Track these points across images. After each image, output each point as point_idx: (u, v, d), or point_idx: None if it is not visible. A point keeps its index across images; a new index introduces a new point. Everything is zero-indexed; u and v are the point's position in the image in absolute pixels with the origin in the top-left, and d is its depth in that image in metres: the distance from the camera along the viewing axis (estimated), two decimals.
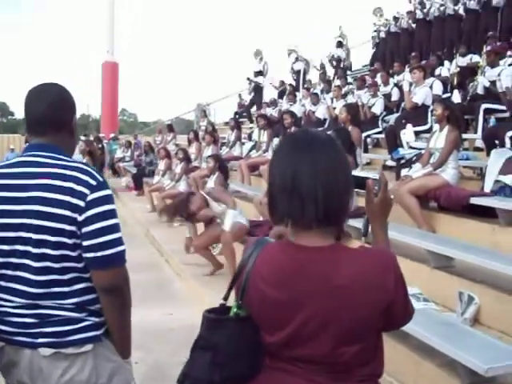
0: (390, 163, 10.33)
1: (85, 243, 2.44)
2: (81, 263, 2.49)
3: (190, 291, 8.28)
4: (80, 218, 2.42)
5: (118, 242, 2.50)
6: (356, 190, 2.14)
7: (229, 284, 2.09)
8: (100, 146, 21.19)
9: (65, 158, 2.56)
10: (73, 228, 2.42)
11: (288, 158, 1.96)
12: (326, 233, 1.94)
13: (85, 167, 2.53)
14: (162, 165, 14.96)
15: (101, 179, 2.51)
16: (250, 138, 16.70)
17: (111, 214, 2.50)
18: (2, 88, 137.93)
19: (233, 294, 2.09)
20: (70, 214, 2.41)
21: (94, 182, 2.47)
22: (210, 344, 1.99)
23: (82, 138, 18.81)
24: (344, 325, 1.86)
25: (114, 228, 2.49)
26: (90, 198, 2.43)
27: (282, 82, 22.68)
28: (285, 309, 1.90)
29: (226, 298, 2.10)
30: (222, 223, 8.13)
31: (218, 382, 1.95)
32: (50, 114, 2.59)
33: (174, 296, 8.21)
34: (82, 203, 2.42)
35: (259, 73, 22.90)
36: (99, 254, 2.44)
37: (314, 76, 22.56)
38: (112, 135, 26.48)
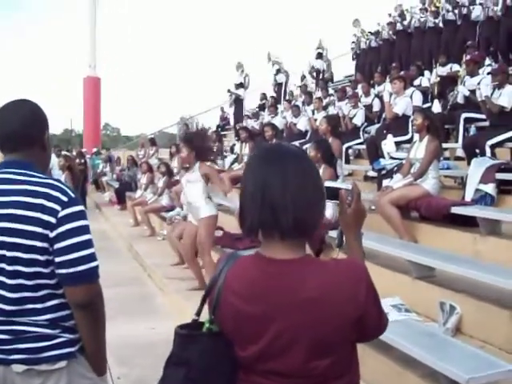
0: (372, 174, 10.36)
1: (57, 259, 2.42)
2: (53, 280, 2.47)
3: (172, 305, 8.24)
4: (52, 235, 2.41)
5: (91, 257, 2.48)
6: (334, 201, 2.12)
7: (201, 299, 2.07)
8: (83, 160, 21.17)
9: (36, 174, 2.54)
10: (45, 245, 2.41)
11: (259, 169, 1.95)
12: (296, 245, 1.93)
13: (56, 183, 2.51)
14: (144, 179, 14.92)
15: (72, 195, 2.49)
16: (232, 150, 16.71)
17: (83, 230, 2.48)
18: None
19: (206, 308, 2.07)
20: (41, 231, 2.40)
21: (65, 199, 2.45)
22: (182, 360, 1.97)
23: (65, 152, 18.75)
24: (315, 337, 1.85)
25: (87, 244, 2.47)
26: (61, 214, 2.42)
27: (264, 95, 22.73)
28: (257, 323, 1.89)
29: (198, 314, 2.07)
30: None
31: None
32: (21, 130, 2.59)
33: (156, 310, 8.16)
34: (53, 220, 2.41)
35: (240, 85, 22.97)
36: (71, 270, 2.42)
37: (295, 88, 22.63)
38: (94, 150, 26.41)
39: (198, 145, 7.76)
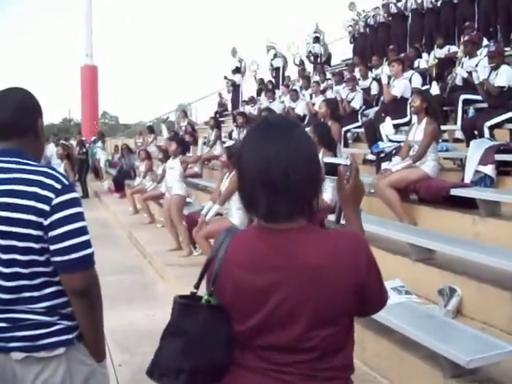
0: (370, 157, 10.34)
1: (52, 247, 2.41)
2: (49, 267, 2.46)
3: (173, 292, 8.18)
4: (46, 223, 2.39)
5: (86, 244, 2.47)
6: (330, 176, 2.11)
7: (200, 272, 2.08)
8: (84, 150, 21.16)
9: (30, 162, 2.53)
10: (39, 233, 2.40)
11: (261, 148, 1.93)
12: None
13: (49, 171, 2.50)
14: (142, 166, 14.90)
15: (66, 182, 2.48)
16: (230, 136, 16.68)
17: (77, 217, 2.47)
18: None
19: (203, 284, 2.07)
20: (35, 219, 2.39)
21: (58, 186, 2.43)
22: (180, 330, 1.98)
23: (63, 142, 18.73)
24: (315, 306, 1.85)
25: (81, 231, 2.46)
26: (55, 201, 2.40)
27: (261, 80, 22.67)
28: (258, 293, 1.89)
29: (197, 287, 2.09)
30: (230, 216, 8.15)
31: (188, 370, 1.94)
32: (13, 118, 2.57)
33: (157, 297, 8.16)
34: (47, 207, 2.39)
35: (236, 70, 22.93)
36: (66, 257, 2.41)
37: (292, 72, 22.58)
38: (93, 138, 26.34)
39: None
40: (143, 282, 9.01)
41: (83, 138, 24.38)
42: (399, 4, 17.63)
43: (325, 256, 1.86)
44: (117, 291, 7.78)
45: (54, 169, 2.57)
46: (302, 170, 1.89)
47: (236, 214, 7.97)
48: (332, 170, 2.11)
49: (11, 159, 2.52)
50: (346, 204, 2.16)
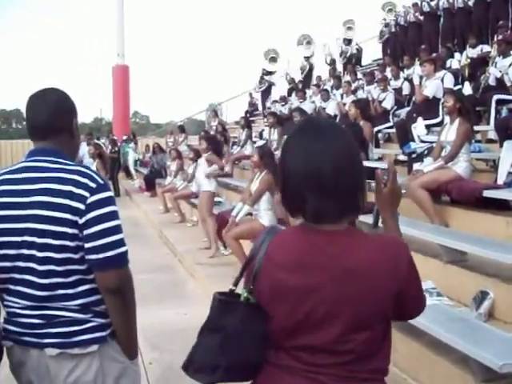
0: (402, 158, 10.25)
1: (87, 245, 2.44)
2: (84, 265, 2.49)
3: (203, 291, 8.27)
4: (81, 221, 2.42)
5: (120, 243, 2.50)
6: (367, 180, 2.11)
7: (240, 270, 2.10)
8: (116, 148, 21.31)
9: (65, 161, 2.56)
10: (74, 231, 2.43)
11: (308, 149, 1.93)
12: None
13: (84, 170, 2.53)
14: (173, 165, 14.97)
15: (101, 181, 2.51)
16: (261, 136, 16.69)
17: (112, 215, 2.49)
18: (16, 95, 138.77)
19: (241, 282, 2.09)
20: (70, 217, 2.42)
21: (93, 185, 2.46)
22: (218, 327, 1.99)
23: (95, 141, 18.89)
24: (354, 309, 1.86)
25: (116, 229, 2.49)
26: (89, 200, 2.43)
27: (292, 80, 22.65)
28: (297, 293, 1.89)
29: (235, 284, 2.10)
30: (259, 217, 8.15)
31: (224, 367, 1.95)
32: (49, 118, 2.61)
33: (187, 296, 8.22)
34: (82, 206, 2.42)
35: (269, 72, 22.96)
36: (101, 255, 2.44)
37: (323, 72, 22.53)
38: (124, 137, 26.52)
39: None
40: (174, 281, 9.06)
41: (115, 138, 24.55)
42: (432, 3, 17.47)
43: (366, 260, 1.86)
44: (148, 290, 7.81)
45: (88, 168, 2.61)
46: (349, 171, 1.90)
47: (265, 214, 7.97)
48: (369, 173, 2.10)
49: (47, 158, 2.56)
50: (383, 207, 2.15)
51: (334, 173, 1.87)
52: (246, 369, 1.99)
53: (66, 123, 2.67)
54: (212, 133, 17.49)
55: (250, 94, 26.04)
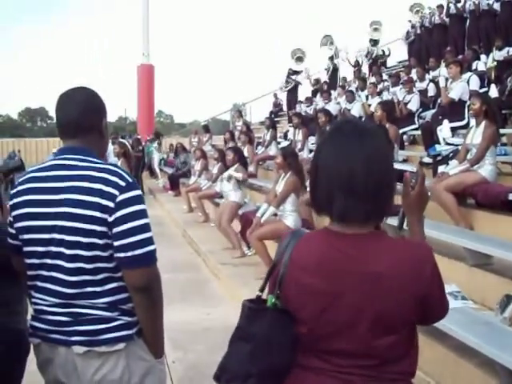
0: (427, 160, 10.20)
1: (115, 243, 2.46)
2: (112, 263, 2.51)
3: (226, 291, 8.30)
4: (110, 219, 2.44)
5: (149, 241, 2.51)
6: (398, 183, 2.12)
7: (265, 275, 2.10)
8: (140, 147, 21.39)
9: (94, 159, 2.59)
10: (103, 229, 2.45)
11: (341, 151, 1.94)
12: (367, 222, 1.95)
13: (114, 168, 2.55)
14: (198, 165, 15.01)
15: (130, 180, 2.53)
16: (285, 137, 16.69)
17: (141, 214, 2.51)
18: (41, 93, 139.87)
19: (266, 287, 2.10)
20: (100, 215, 2.44)
21: (122, 183, 2.48)
22: (248, 335, 1.99)
23: (120, 140, 18.97)
24: (379, 313, 1.86)
25: (144, 228, 2.51)
26: (119, 198, 2.45)
27: (317, 81, 22.62)
28: (323, 297, 1.90)
29: (262, 290, 2.10)
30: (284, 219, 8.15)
31: (256, 375, 1.95)
32: (79, 117, 2.63)
33: (211, 296, 8.23)
34: (111, 204, 2.44)
35: (296, 72, 22.92)
36: (130, 253, 2.46)
37: (348, 73, 22.48)
38: (149, 137, 26.62)
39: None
40: (198, 280, 9.09)
41: (139, 137, 24.64)
42: (458, 5, 17.37)
43: (391, 265, 1.86)
44: (171, 289, 7.82)
45: (117, 166, 2.62)
46: (379, 174, 1.91)
47: (290, 215, 7.97)
48: (396, 176, 2.11)
49: (76, 157, 2.58)
50: (410, 211, 2.15)
51: (363, 174, 1.88)
52: (277, 375, 1.99)
53: (95, 122, 2.70)
54: (236, 133, 17.51)
55: (275, 95, 26.03)
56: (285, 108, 24.06)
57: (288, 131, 16.70)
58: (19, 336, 2.79)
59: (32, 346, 2.74)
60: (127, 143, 15.69)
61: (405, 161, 11.40)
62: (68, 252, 2.48)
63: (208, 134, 22.09)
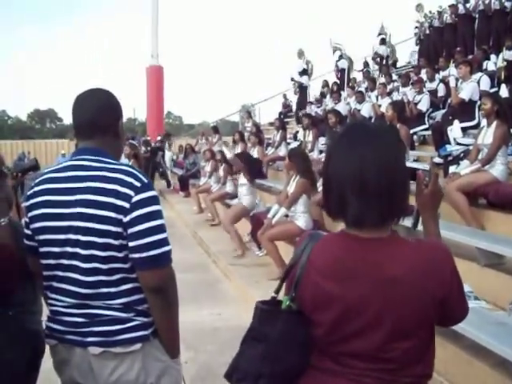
0: (438, 160, 10.19)
1: (131, 244, 2.47)
2: (127, 264, 2.52)
3: (237, 292, 8.31)
4: (125, 220, 2.45)
5: (164, 242, 2.52)
6: (411, 181, 2.11)
7: (281, 277, 2.09)
8: (149, 148, 21.41)
9: (110, 160, 2.59)
10: (119, 229, 2.46)
11: (352, 153, 1.92)
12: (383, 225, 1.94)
13: (129, 169, 2.56)
14: (208, 166, 15.01)
15: (145, 181, 2.53)
16: (295, 138, 16.68)
17: (156, 214, 2.52)
18: (50, 94, 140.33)
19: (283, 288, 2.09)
20: (115, 216, 2.45)
21: (138, 184, 2.49)
22: (261, 335, 1.99)
23: (131, 141, 19.02)
24: (397, 317, 1.85)
25: (160, 228, 2.51)
26: (134, 199, 2.46)
27: (325, 82, 22.63)
28: (340, 301, 1.89)
29: (277, 291, 2.10)
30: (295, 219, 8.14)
31: (267, 376, 1.94)
32: (96, 118, 2.64)
33: (222, 296, 8.25)
34: (126, 205, 2.45)
35: (303, 72, 22.92)
36: (145, 254, 2.46)
37: (358, 74, 22.46)
38: (158, 138, 26.63)
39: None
40: (208, 281, 9.10)
41: (148, 138, 24.65)
42: (467, 5, 17.34)
43: (409, 268, 1.85)
44: (182, 289, 7.74)
45: (132, 167, 2.63)
46: (393, 175, 1.89)
47: (301, 217, 7.97)
48: (410, 174, 2.10)
49: (92, 157, 2.59)
50: (424, 209, 2.15)
51: (375, 175, 1.86)
52: (289, 377, 1.98)
53: (111, 123, 2.71)
54: (246, 134, 17.50)
55: (284, 95, 26.04)
56: (294, 109, 24.04)
57: (298, 132, 16.68)
58: (34, 336, 2.79)
59: (48, 347, 2.75)
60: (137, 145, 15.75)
61: (415, 161, 11.37)
62: (83, 252, 2.49)
63: (217, 135, 22.08)
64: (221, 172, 13.06)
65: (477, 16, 17.07)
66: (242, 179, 10.59)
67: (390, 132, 2.04)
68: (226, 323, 6.83)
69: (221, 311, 7.40)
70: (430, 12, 20.74)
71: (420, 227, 2.20)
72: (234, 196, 12.06)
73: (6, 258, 2.66)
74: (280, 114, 24.46)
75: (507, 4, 15.84)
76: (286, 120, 21.43)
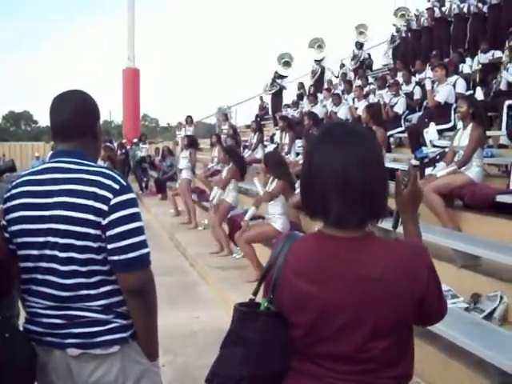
0: (414, 162, 10.24)
1: (109, 246, 2.46)
2: (106, 266, 2.51)
3: (215, 294, 8.30)
4: (104, 222, 2.44)
5: (142, 244, 2.51)
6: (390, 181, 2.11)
7: (259, 278, 2.09)
8: (123, 151, 21.30)
9: (89, 163, 2.58)
10: (97, 232, 2.45)
11: (333, 153, 1.92)
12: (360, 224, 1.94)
13: (108, 172, 2.55)
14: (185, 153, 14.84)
15: (124, 183, 2.53)
16: (272, 140, 16.70)
17: (135, 217, 2.51)
18: (26, 97, 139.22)
19: (261, 290, 2.08)
20: (93, 218, 2.44)
21: (117, 186, 2.48)
22: (240, 338, 1.98)
23: (107, 143, 18.94)
24: (375, 317, 1.85)
25: (138, 231, 2.51)
26: (113, 201, 2.45)
27: (301, 84, 22.67)
28: (317, 302, 1.89)
29: (255, 293, 2.08)
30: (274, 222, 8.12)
31: (248, 379, 1.92)
32: (73, 120, 2.62)
33: (199, 299, 8.24)
34: (105, 207, 2.44)
35: (282, 76, 22.96)
36: (123, 256, 2.46)
37: (334, 77, 22.51)
38: (135, 140, 26.47)
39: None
40: (186, 284, 9.09)
41: (124, 141, 24.49)
42: (443, 9, 17.49)
43: (386, 267, 1.85)
44: (160, 292, 7.72)
45: (111, 169, 2.63)
46: (375, 176, 1.90)
47: (279, 219, 7.97)
48: (389, 175, 2.11)
49: (71, 160, 2.57)
50: (403, 209, 2.15)
51: (359, 177, 1.86)
52: (270, 379, 1.96)
53: (89, 125, 2.69)
54: (223, 136, 17.47)
55: (261, 98, 26.04)
56: (270, 111, 24.05)
57: (274, 134, 16.71)
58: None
59: None
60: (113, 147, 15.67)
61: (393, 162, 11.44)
62: (62, 255, 2.47)
63: (193, 125, 21.87)
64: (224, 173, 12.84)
65: (452, 20, 17.21)
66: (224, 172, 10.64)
67: (370, 134, 2.05)
68: (204, 326, 6.82)
69: (199, 314, 7.39)
70: (408, 15, 20.90)
71: (400, 228, 2.21)
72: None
73: (1, 258, 2.63)
74: (257, 116, 24.48)
75: (484, 8, 15.96)
76: (262, 122, 21.45)
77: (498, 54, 13.12)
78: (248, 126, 21.17)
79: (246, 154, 15.51)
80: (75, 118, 2.63)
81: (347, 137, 1.95)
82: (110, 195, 2.46)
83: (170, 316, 6.94)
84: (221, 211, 10.33)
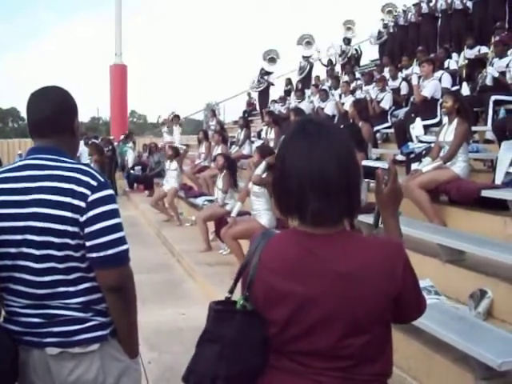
0: (400, 158, 10.26)
1: (88, 243, 2.44)
2: (84, 263, 2.49)
3: (201, 291, 8.28)
4: (82, 219, 2.42)
5: (121, 241, 2.50)
6: (367, 180, 2.10)
7: (235, 276, 2.08)
8: (110, 147, 21.24)
9: (66, 159, 2.56)
10: (75, 229, 2.43)
11: (310, 150, 1.91)
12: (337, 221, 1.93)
13: (85, 168, 2.53)
14: (173, 166, 14.88)
15: (101, 180, 2.51)
16: (259, 136, 16.69)
17: (113, 213, 2.50)
18: (13, 93, 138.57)
19: (238, 288, 2.08)
20: (71, 215, 2.42)
21: (94, 183, 2.47)
22: (216, 337, 1.97)
23: (93, 140, 18.90)
24: (351, 313, 1.84)
25: (116, 227, 2.49)
26: (90, 198, 2.43)
27: (289, 80, 22.65)
28: (293, 299, 1.88)
29: (231, 291, 2.09)
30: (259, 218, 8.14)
31: (223, 377, 1.92)
32: (51, 116, 2.60)
33: (186, 296, 8.22)
34: (83, 204, 2.42)
35: (268, 72, 22.94)
36: (102, 253, 2.44)
37: (321, 72, 22.54)
38: (122, 137, 26.39)
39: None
40: (172, 281, 9.07)
41: (111, 137, 24.42)
42: (430, 4, 17.52)
43: (362, 264, 1.85)
44: (146, 289, 7.81)
45: (89, 166, 2.61)
46: (350, 172, 1.89)
47: (265, 214, 7.98)
48: (369, 173, 2.10)
49: (48, 156, 2.55)
50: (384, 207, 2.14)
51: (336, 173, 1.86)
52: (246, 377, 1.96)
53: (67, 121, 2.67)
54: (210, 132, 17.43)
55: (249, 94, 26.01)
56: (258, 107, 24.04)
57: (262, 130, 16.68)
58: None
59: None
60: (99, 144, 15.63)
61: (378, 159, 11.45)
62: (37, 253, 2.46)
63: (179, 124, 21.77)
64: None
65: (440, 15, 17.24)
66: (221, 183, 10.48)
67: (342, 130, 2.06)
68: (191, 323, 6.79)
69: (185, 311, 7.36)
70: (396, 11, 20.92)
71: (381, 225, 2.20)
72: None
73: None
74: (244, 112, 24.45)
75: (468, 3, 16.00)
76: (250, 118, 21.43)
77: (484, 49, 13.15)
78: (236, 122, 21.13)
79: (233, 150, 15.49)
80: (53, 114, 2.61)
81: (321, 133, 1.94)
82: (87, 192, 2.44)
83: (155, 313, 6.96)
84: (210, 212, 10.39)
